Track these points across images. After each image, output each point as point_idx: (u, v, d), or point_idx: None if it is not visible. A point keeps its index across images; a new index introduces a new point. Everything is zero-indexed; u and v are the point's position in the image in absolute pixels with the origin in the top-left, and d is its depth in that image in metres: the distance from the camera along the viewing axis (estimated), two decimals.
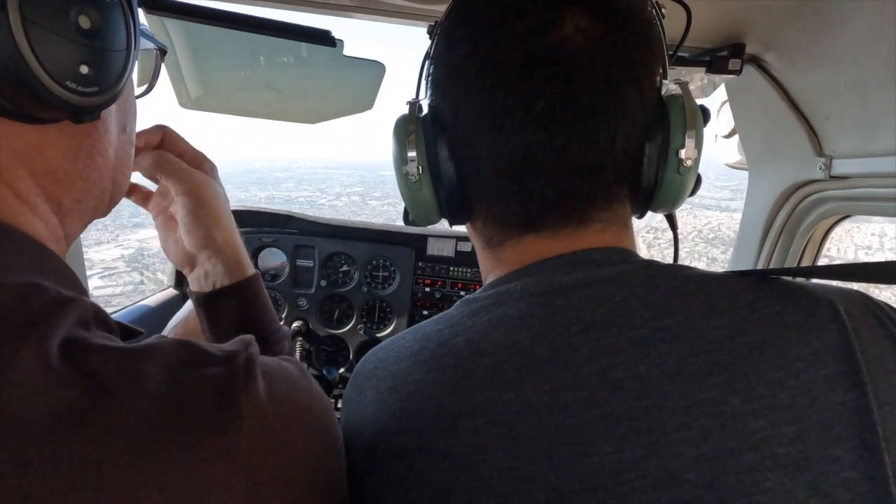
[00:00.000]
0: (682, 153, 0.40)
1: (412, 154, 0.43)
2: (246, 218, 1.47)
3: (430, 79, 0.45)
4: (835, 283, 0.42)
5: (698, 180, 0.45)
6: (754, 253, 1.10)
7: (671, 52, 0.85)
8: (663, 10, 0.44)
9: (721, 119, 1.16)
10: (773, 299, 0.36)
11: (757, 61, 0.88)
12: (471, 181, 0.43)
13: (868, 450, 0.31)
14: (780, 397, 0.32)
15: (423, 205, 0.46)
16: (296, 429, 0.30)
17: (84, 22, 0.29)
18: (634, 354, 0.34)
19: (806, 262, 1.06)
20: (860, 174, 0.84)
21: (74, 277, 0.32)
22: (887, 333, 0.35)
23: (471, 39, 0.40)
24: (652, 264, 0.40)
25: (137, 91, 0.42)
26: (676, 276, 0.38)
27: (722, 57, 0.86)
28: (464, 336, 0.38)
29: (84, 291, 0.31)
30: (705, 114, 0.42)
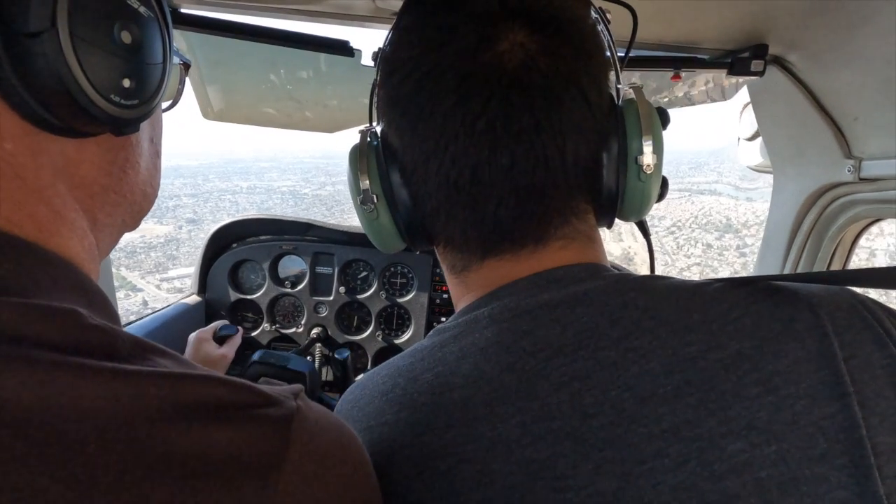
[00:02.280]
0: (642, 159, 0.39)
1: (365, 183, 0.42)
2: (266, 226, 1.49)
3: (376, 106, 0.44)
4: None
5: (664, 184, 0.43)
6: (780, 258, 1.07)
7: (672, 55, 0.84)
8: (608, 15, 0.44)
9: (744, 121, 1.13)
10: (749, 308, 0.34)
11: (780, 62, 0.86)
12: (426, 207, 0.42)
13: (857, 467, 0.29)
14: (758, 416, 0.30)
15: (383, 233, 0.45)
16: (337, 483, 0.29)
17: (126, 37, 0.30)
18: (605, 378, 0.33)
19: (836, 268, 1.03)
20: (892, 176, 0.81)
21: (109, 304, 0.31)
22: (875, 336, 0.33)
23: (407, 64, 0.39)
24: (622, 279, 0.38)
25: (164, 105, 0.44)
26: (648, 290, 0.37)
27: (744, 58, 0.84)
28: (433, 370, 0.37)
29: (117, 320, 0.31)
30: (663, 116, 0.41)
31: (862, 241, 1.02)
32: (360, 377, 0.44)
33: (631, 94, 0.41)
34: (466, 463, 0.32)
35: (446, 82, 0.37)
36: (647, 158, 0.39)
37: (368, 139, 0.44)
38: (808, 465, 0.29)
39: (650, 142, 0.39)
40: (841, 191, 0.93)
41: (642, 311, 0.35)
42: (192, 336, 1.07)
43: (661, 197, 0.44)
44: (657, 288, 0.37)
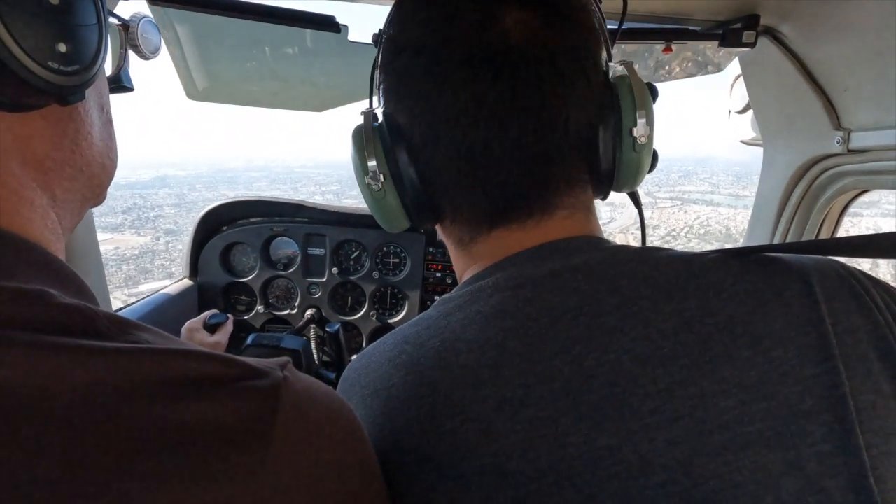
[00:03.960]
0: (636, 131, 0.41)
1: (373, 163, 0.43)
2: (256, 208, 1.47)
3: (381, 87, 0.45)
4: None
5: (655, 156, 0.46)
6: (769, 230, 1.08)
7: (662, 26, 0.84)
8: None
9: (734, 94, 1.13)
10: (742, 277, 0.36)
11: (772, 33, 0.86)
12: (434, 183, 0.43)
13: (840, 422, 0.31)
14: (748, 375, 0.32)
15: (390, 212, 0.46)
16: (329, 449, 0.29)
17: None
18: (604, 342, 0.34)
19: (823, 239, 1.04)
20: (880, 147, 0.82)
21: (81, 284, 0.31)
22: (861, 304, 0.35)
23: (415, 43, 0.40)
24: (621, 250, 0.40)
25: (108, 71, 0.41)
26: (645, 261, 0.38)
27: (735, 30, 0.83)
28: (440, 337, 0.38)
29: (93, 300, 0.30)
30: (653, 91, 0.43)
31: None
32: (367, 347, 0.45)
33: (623, 70, 0.43)
34: (472, 422, 0.33)
35: (455, 60, 0.38)
36: (641, 130, 0.41)
37: (372, 120, 0.44)
38: (794, 420, 0.31)
39: (644, 115, 0.41)
40: (830, 162, 0.94)
41: (641, 280, 0.37)
42: (183, 328, 1.08)
43: (651, 168, 0.46)
44: (654, 258, 0.39)
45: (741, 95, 1.08)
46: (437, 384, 0.36)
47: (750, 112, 1.10)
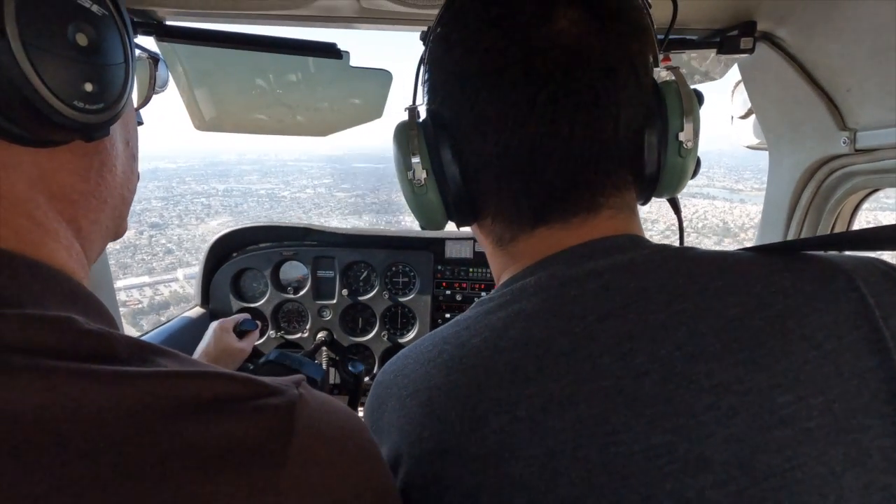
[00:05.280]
0: (682, 136, 0.41)
1: (416, 160, 0.43)
2: (265, 233, 1.49)
3: (427, 84, 0.46)
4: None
5: (698, 163, 0.45)
6: (780, 234, 1.07)
7: (661, 37, 0.84)
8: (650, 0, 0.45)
9: (736, 100, 1.13)
10: (787, 272, 0.36)
11: (770, 38, 0.86)
12: (478, 180, 0.43)
13: None
14: (804, 369, 0.31)
15: (430, 209, 0.46)
16: (344, 465, 0.29)
17: (81, 39, 0.29)
18: (654, 339, 0.34)
19: None
20: (888, 145, 0.81)
21: (104, 309, 0.31)
22: None
23: (467, 41, 0.40)
24: (664, 249, 0.40)
25: (136, 103, 0.42)
26: (689, 258, 0.38)
27: (733, 37, 0.84)
28: (481, 335, 0.38)
29: (114, 324, 0.31)
30: (700, 97, 0.43)
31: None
32: (402, 350, 0.44)
33: (670, 75, 0.43)
34: (519, 421, 0.33)
35: (509, 57, 0.38)
36: (688, 135, 0.41)
37: (415, 116, 0.45)
38: (853, 414, 0.31)
39: (691, 120, 0.41)
40: (837, 163, 0.93)
41: (686, 278, 0.36)
42: (216, 324, 1.07)
43: (694, 174, 0.46)
44: (697, 257, 0.39)
45: (743, 101, 1.08)
46: (481, 382, 0.35)
47: (753, 117, 1.10)
